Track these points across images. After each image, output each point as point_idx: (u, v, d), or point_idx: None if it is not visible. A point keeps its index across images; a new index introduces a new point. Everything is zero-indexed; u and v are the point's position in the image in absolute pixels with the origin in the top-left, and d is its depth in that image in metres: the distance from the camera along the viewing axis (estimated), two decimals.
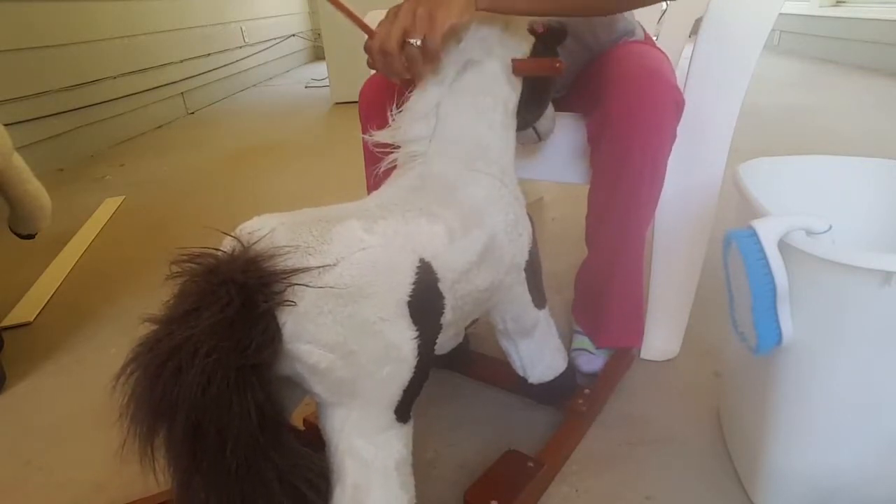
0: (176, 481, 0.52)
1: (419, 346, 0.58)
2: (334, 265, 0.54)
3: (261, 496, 0.51)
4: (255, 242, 0.53)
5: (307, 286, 0.52)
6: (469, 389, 1.05)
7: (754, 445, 0.78)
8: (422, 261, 0.59)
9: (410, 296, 0.57)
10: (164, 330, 0.49)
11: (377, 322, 0.55)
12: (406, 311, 0.57)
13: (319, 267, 0.53)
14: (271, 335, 0.51)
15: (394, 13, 0.66)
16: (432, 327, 0.61)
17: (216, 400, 0.47)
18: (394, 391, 0.59)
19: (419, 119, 0.72)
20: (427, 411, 0.99)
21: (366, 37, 0.72)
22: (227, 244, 0.54)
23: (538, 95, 0.81)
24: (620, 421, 0.97)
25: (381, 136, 0.72)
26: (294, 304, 0.52)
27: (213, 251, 0.52)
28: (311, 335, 0.53)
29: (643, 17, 1.03)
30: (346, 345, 0.54)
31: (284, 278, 0.51)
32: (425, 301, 0.59)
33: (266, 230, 0.55)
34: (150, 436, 0.49)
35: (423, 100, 0.72)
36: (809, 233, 0.64)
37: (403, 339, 0.57)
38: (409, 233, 0.61)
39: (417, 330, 0.58)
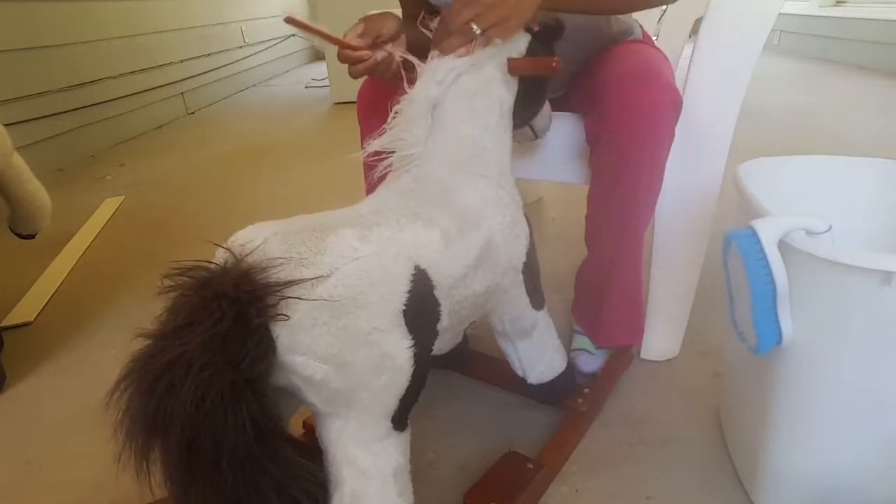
0: (173, 496, 0.51)
1: (415, 355, 0.58)
2: (328, 276, 0.53)
3: None
4: (248, 254, 0.53)
5: (300, 299, 0.51)
6: (468, 389, 1.05)
7: (754, 445, 0.78)
8: (417, 268, 0.59)
9: (405, 304, 0.57)
10: (157, 346, 0.49)
11: (372, 332, 0.54)
12: (401, 320, 0.56)
13: (313, 279, 0.52)
14: (265, 349, 0.50)
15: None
16: (428, 335, 0.61)
17: (210, 415, 0.47)
18: (390, 400, 0.58)
19: (416, 121, 0.71)
20: (427, 412, 0.99)
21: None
22: (220, 256, 0.54)
23: (535, 94, 0.81)
24: (620, 421, 0.97)
25: (376, 144, 0.71)
26: (287, 317, 0.51)
27: (206, 264, 0.52)
28: (306, 347, 0.53)
29: (643, 16, 1.03)
30: (340, 356, 0.54)
31: (277, 291, 0.51)
32: (421, 309, 0.59)
33: (259, 241, 0.54)
34: (145, 451, 0.49)
35: (419, 102, 0.71)
36: (809, 233, 0.64)
37: (399, 349, 0.57)
38: (403, 240, 0.60)
39: (413, 338, 0.57)
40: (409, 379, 0.58)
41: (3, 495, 0.91)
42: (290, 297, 0.51)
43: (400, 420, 0.60)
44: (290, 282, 0.51)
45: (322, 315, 0.52)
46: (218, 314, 0.48)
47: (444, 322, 0.63)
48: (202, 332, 0.47)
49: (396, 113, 0.72)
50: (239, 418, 0.48)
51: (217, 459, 0.48)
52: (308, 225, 0.58)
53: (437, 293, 0.61)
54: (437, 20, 0.73)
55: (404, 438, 0.62)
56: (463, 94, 0.72)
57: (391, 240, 0.59)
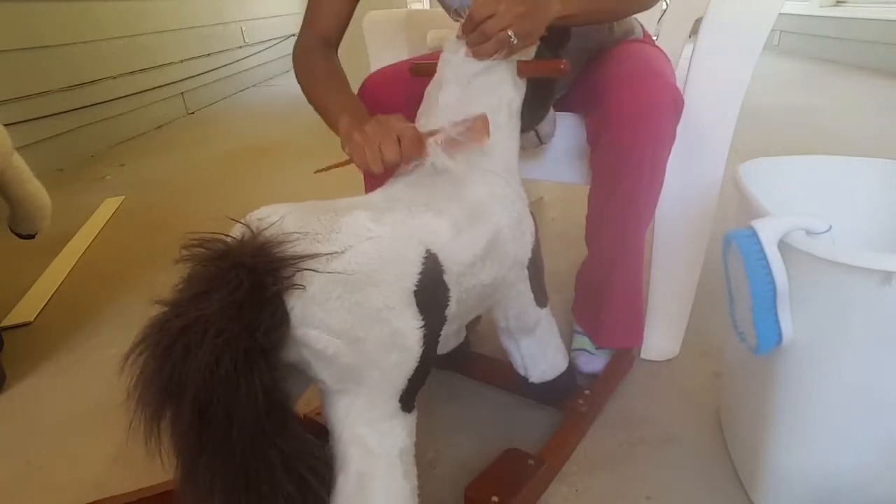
0: (181, 464, 0.52)
1: (425, 336, 0.59)
2: (342, 252, 0.54)
3: (265, 480, 0.52)
4: (265, 229, 0.54)
5: (316, 271, 0.52)
6: (469, 390, 1.05)
7: (754, 445, 0.78)
8: (428, 252, 0.60)
9: (417, 285, 0.58)
10: (174, 311, 0.49)
11: (384, 310, 0.55)
12: (412, 300, 0.57)
13: (328, 254, 0.54)
14: (280, 319, 0.51)
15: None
16: (437, 318, 0.62)
17: (224, 381, 0.47)
18: (399, 379, 0.59)
19: (444, 117, 0.72)
20: (428, 411, 0.99)
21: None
22: (237, 231, 0.55)
23: (541, 97, 0.82)
24: (620, 421, 0.97)
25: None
26: (303, 287, 0.52)
27: (223, 236, 0.53)
28: (319, 320, 0.53)
29: (643, 16, 1.03)
30: (352, 331, 0.54)
31: (293, 263, 0.52)
32: (431, 291, 0.60)
33: (275, 217, 0.56)
34: (157, 417, 0.50)
35: (444, 99, 0.73)
36: (809, 233, 0.64)
37: (409, 328, 0.58)
38: (415, 225, 0.62)
39: (423, 319, 0.58)
40: (418, 359, 0.59)
41: (3, 495, 0.91)
42: (305, 269, 0.52)
43: (407, 401, 0.61)
44: (306, 255, 0.52)
45: (336, 289, 0.53)
46: (235, 282, 0.49)
47: (452, 308, 0.64)
48: (219, 299, 0.48)
49: (420, 114, 0.74)
50: (251, 387, 0.48)
51: (228, 429, 0.48)
52: (322, 206, 0.59)
53: (446, 278, 0.62)
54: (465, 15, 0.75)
55: (411, 420, 0.62)
56: (475, 93, 0.74)
57: (403, 224, 0.60)
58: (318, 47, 0.95)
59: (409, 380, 0.60)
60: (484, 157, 0.74)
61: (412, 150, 0.68)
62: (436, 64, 0.78)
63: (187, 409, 0.48)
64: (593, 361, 1.05)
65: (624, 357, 1.07)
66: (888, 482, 0.72)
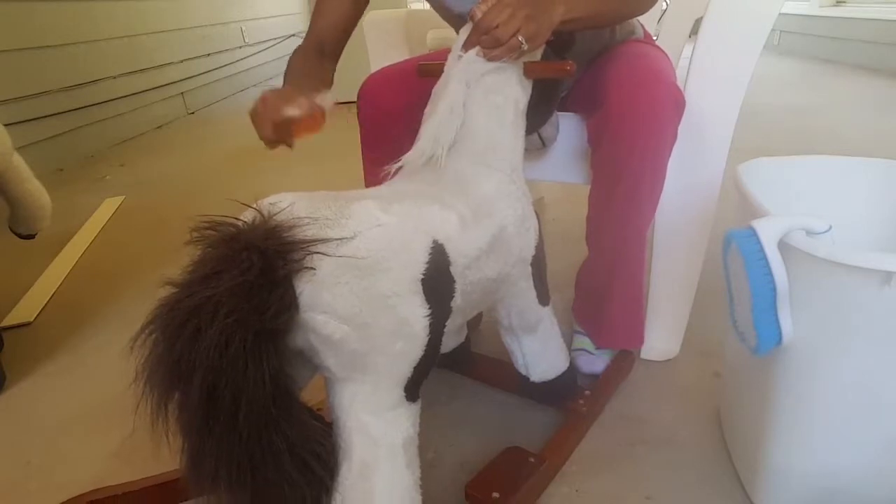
0: (187, 448, 0.52)
1: (430, 325, 0.59)
2: (352, 238, 0.55)
3: (270, 466, 0.52)
4: (276, 213, 0.54)
5: (325, 255, 0.53)
6: (469, 390, 1.05)
7: (754, 445, 0.78)
8: (435, 242, 0.61)
9: (424, 274, 0.58)
10: (185, 292, 0.50)
11: (392, 297, 0.56)
12: (419, 288, 0.58)
13: (338, 239, 0.54)
14: (289, 301, 0.52)
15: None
16: (443, 308, 0.62)
17: (233, 363, 0.48)
18: (404, 368, 0.59)
19: (452, 120, 0.73)
20: (428, 410, 0.99)
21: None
22: (248, 215, 0.55)
23: (546, 98, 0.83)
24: (620, 421, 0.97)
25: (416, 152, 0.71)
26: (313, 269, 0.52)
27: (235, 220, 0.54)
28: (327, 305, 0.54)
29: (643, 16, 1.03)
30: (360, 317, 0.55)
31: (303, 247, 0.52)
32: (437, 281, 0.60)
33: (286, 203, 0.56)
34: (165, 398, 0.50)
35: (450, 100, 0.74)
36: (809, 233, 0.64)
37: (416, 316, 0.58)
38: (423, 216, 0.62)
39: (430, 308, 0.59)
40: (424, 348, 0.59)
41: (3, 495, 0.91)
42: (315, 253, 0.52)
43: (412, 390, 0.61)
44: (316, 239, 0.53)
45: (345, 275, 0.54)
46: (246, 264, 0.49)
47: (457, 301, 0.65)
48: (230, 279, 0.48)
49: (427, 114, 0.74)
50: (259, 371, 0.49)
51: (235, 411, 0.49)
52: (332, 195, 0.60)
53: (452, 270, 0.63)
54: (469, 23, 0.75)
55: (415, 410, 0.63)
56: (482, 91, 0.74)
57: (411, 214, 0.61)
58: (309, 51, 0.95)
59: (415, 368, 0.60)
60: (489, 154, 0.74)
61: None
62: (443, 64, 0.79)
63: (196, 390, 0.48)
64: (594, 362, 1.05)
65: (625, 358, 1.07)
66: (888, 482, 0.72)
